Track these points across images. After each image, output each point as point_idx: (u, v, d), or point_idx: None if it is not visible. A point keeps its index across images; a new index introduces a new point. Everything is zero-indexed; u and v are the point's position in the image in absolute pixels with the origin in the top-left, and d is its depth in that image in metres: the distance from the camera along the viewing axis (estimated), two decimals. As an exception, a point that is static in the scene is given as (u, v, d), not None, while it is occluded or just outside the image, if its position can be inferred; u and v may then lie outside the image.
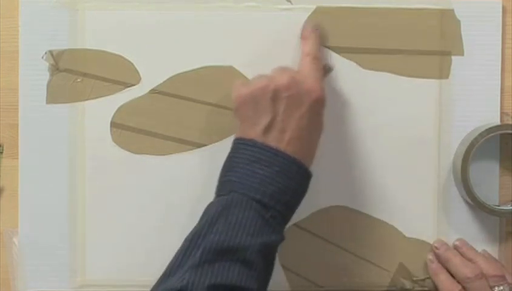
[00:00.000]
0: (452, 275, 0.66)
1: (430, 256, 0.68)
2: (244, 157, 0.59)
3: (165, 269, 0.56)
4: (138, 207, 0.69)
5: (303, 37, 0.67)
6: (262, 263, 0.56)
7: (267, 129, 0.59)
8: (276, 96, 0.60)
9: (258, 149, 0.58)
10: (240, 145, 0.60)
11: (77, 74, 0.69)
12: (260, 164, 0.58)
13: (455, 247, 0.68)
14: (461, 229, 0.70)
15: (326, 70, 0.68)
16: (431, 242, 0.69)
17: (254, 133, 0.59)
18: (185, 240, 0.57)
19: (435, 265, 0.68)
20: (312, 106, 0.60)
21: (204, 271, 0.53)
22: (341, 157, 0.69)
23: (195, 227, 0.58)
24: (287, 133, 0.59)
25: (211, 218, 0.56)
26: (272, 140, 0.59)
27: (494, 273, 0.64)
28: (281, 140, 0.59)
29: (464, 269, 0.65)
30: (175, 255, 0.56)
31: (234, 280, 0.53)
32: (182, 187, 0.69)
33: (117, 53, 0.69)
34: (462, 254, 0.67)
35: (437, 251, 0.68)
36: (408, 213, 0.69)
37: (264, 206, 0.57)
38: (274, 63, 0.69)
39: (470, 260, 0.66)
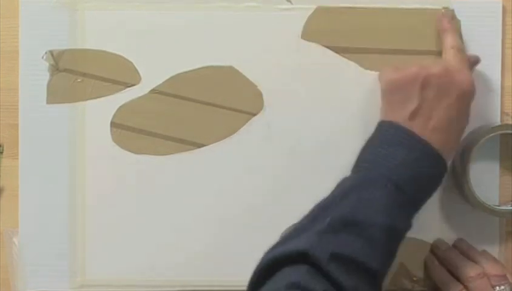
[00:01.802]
0: (452, 275, 0.66)
1: (430, 256, 0.68)
2: (386, 138, 0.60)
3: (288, 232, 0.57)
4: (138, 206, 0.69)
5: (442, 29, 0.67)
6: (387, 246, 0.56)
7: (413, 115, 0.60)
8: (426, 83, 0.60)
9: (402, 133, 0.59)
10: (384, 127, 0.61)
11: (77, 74, 0.69)
12: (402, 147, 0.58)
13: (456, 247, 0.68)
14: (461, 229, 0.70)
15: (472, 62, 0.67)
16: (431, 242, 0.69)
17: (400, 117, 0.60)
18: (314, 207, 0.58)
19: (435, 265, 0.68)
20: (461, 97, 0.61)
21: (330, 239, 0.54)
22: (341, 157, 0.69)
23: (326, 197, 0.58)
24: (432, 121, 0.60)
25: (344, 191, 0.58)
26: (416, 127, 0.60)
27: (496, 273, 0.64)
28: (426, 127, 0.59)
29: (465, 268, 0.65)
30: (301, 220, 0.57)
31: (356, 253, 0.54)
32: (182, 187, 0.69)
33: (117, 53, 0.69)
34: (463, 254, 0.67)
35: (437, 251, 0.68)
36: (408, 213, 0.69)
37: (399, 189, 0.57)
38: (274, 63, 0.69)
39: (471, 259, 0.66)
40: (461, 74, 0.61)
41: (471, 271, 0.64)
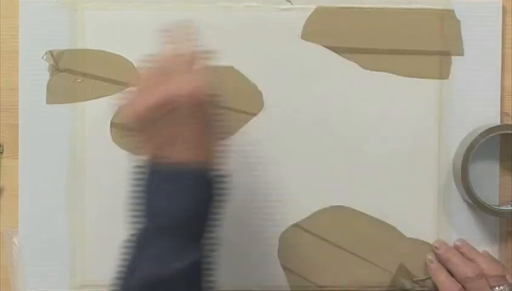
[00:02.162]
0: (452, 275, 0.66)
1: (430, 256, 0.68)
2: (149, 178, 0.55)
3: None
4: (138, 207, 0.69)
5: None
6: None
7: (159, 146, 0.55)
8: (159, 109, 0.55)
9: (152, 171, 0.55)
10: (137, 172, 0.57)
11: (77, 74, 0.69)
12: (166, 183, 0.55)
13: (456, 247, 0.68)
14: (461, 229, 0.70)
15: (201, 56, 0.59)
16: (431, 242, 0.69)
17: (149, 151, 0.56)
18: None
19: (435, 265, 0.68)
20: (185, 110, 0.55)
21: None
22: (341, 157, 0.69)
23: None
24: (177, 144, 0.55)
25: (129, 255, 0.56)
26: (171, 155, 0.55)
27: (495, 273, 0.64)
28: (173, 152, 0.55)
29: (464, 269, 0.65)
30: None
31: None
32: (182, 187, 0.69)
33: (117, 53, 0.69)
34: (463, 254, 0.67)
35: (437, 251, 0.68)
36: (408, 213, 0.70)
37: (164, 230, 0.54)
38: (274, 63, 0.69)
39: (471, 260, 0.66)
40: (186, 87, 0.55)
41: (469, 272, 0.64)
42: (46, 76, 0.69)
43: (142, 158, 0.57)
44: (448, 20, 0.69)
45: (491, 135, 0.66)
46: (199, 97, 0.55)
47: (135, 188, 0.56)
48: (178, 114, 0.55)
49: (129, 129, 0.58)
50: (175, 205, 0.54)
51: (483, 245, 0.70)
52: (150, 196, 0.55)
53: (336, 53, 0.69)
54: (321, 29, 0.69)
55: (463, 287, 0.65)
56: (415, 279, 0.69)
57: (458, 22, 0.69)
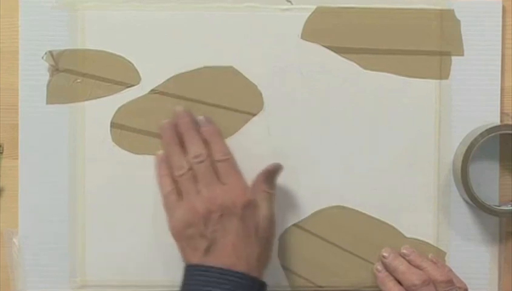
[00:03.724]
0: (400, 283, 0.66)
1: (378, 266, 0.68)
2: (195, 283, 0.60)
3: None
4: (138, 207, 0.69)
5: (204, 138, 0.65)
6: None
7: (206, 253, 0.60)
8: (206, 219, 0.60)
9: (204, 272, 0.59)
10: (189, 272, 0.61)
11: (77, 74, 0.69)
12: (211, 287, 0.58)
13: (403, 255, 0.68)
14: (461, 229, 0.70)
15: (267, 172, 0.65)
16: (431, 242, 0.69)
17: (196, 259, 0.60)
18: None
19: (382, 274, 0.67)
20: (242, 215, 0.61)
21: None
22: (341, 157, 0.69)
23: None
24: (227, 250, 0.60)
25: None
26: (215, 260, 0.60)
27: (442, 279, 0.64)
28: (224, 256, 0.60)
29: (411, 276, 0.65)
30: None
31: None
32: (182, 187, 0.69)
33: (117, 53, 0.69)
34: (409, 262, 0.67)
35: (384, 260, 0.68)
36: (408, 213, 0.70)
37: None
38: (274, 63, 0.69)
39: (418, 267, 0.66)
40: (232, 191, 0.61)
41: (415, 279, 0.64)
42: (46, 76, 0.69)
43: (186, 263, 0.62)
44: (447, 20, 0.69)
45: (491, 135, 0.66)
46: (248, 205, 0.61)
47: (188, 286, 0.60)
48: (223, 221, 0.60)
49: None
50: None
51: (483, 245, 0.70)
52: None
53: (336, 53, 0.69)
54: (321, 29, 0.69)
55: None
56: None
57: (458, 22, 0.69)
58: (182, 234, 0.61)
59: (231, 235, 0.60)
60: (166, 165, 0.65)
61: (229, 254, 0.60)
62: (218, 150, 0.64)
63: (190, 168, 0.63)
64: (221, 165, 0.63)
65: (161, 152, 0.66)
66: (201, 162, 0.63)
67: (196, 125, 0.66)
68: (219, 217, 0.60)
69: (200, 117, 0.67)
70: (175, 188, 0.64)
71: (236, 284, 0.59)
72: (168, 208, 0.64)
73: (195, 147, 0.64)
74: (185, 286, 0.61)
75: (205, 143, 0.65)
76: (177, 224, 0.62)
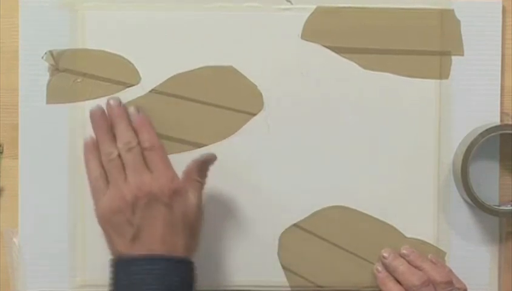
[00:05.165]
0: (400, 284, 0.66)
1: (378, 266, 0.68)
2: (124, 277, 0.59)
3: None
4: (138, 207, 0.69)
5: (134, 127, 0.65)
6: None
7: (133, 240, 0.60)
8: (133, 206, 0.60)
9: (131, 262, 0.59)
10: (117, 266, 0.61)
11: (77, 74, 0.69)
12: (141, 275, 0.58)
13: (403, 255, 0.68)
14: (461, 229, 0.70)
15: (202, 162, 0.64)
16: (431, 242, 0.69)
17: (123, 246, 0.60)
18: None
19: (382, 274, 0.68)
20: (169, 202, 0.61)
21: None
22: (341, 157, 0.69)
23: None
24: (154, 236, 0.60)
25: None
26: (141, 249, 0.60)
27: (441, 280, 0.64)
28: (151, 243, 0.60)
29: (410, 277, 0.65)
30: None
31: None
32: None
33: (117, 53, 0.69)
34: (409, 262, 0.67)
35: (384, 260, 0.68)
36: (408, 213, 0.70)
37: None
38: (274, 63, 0.69)
39: (418, 267, 0.66)
40: (158, 182, 0.61)
41: (415, 280, 0.64)
42: (46, 76, 0.69)
43: (112, 253, 0.62)
44: (447, 20, 0.69)
45: (491, 135, 0.66)
46: (175, 193, 0.61)
47: (110, 287, 0.60)
48: (150, 209, 0.60)
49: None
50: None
51: (483, 245, 0.70)
52: (123, 289, 0.59)
53: (336, 53, 0.69)
54: (321, 29, 0.69)
55: None
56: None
57: (458, 22, 0.69)
58: (108, 221, 0.61)
59: (158, 222, 0.60)
60: (95, 150, 0.64)
61: (155, 241, 0.59)
62: (146, 138, 0.63)
63: (119, 155, 0.63)
64: (149, 154, 0.63)
65: (89, 137, 0.65)
66: (130, 149, 0.62)
67: (126, 115, 0.66)
68: (146, 204, 0.60)
69: (130, 108, 0.66)
70: (103, 173, 0.63)
71: (164, 268, 0.59)
72: (95, 193, 0.63)
73: (124, 135, 0.63)
74: (116, 281, 0.60)
75: (135, 132, 0.64)
76: (104, 210, 0.61)
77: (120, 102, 0.67)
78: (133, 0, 0.69)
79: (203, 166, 0.64)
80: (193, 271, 0.61)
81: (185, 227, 0.61)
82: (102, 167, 0.63)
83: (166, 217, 0.60)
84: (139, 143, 0.63)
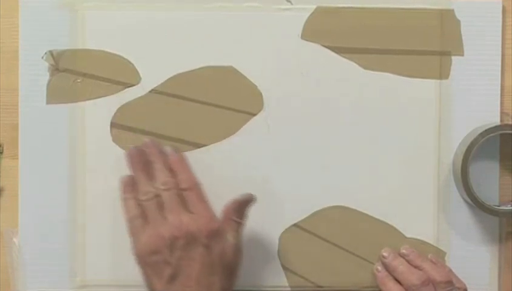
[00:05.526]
0: (400, 283, 0.66)
1: (378, 266, 0.68)
2: None
3: None
4: (138, 207, 0.69)
5: (171, 167, 0.64)
6: None
7: (170, 280, 0.59)
8: (171, 246, 0.60)
9: None
10: None
11: (77, 74, 0.69)
12: None
13: (402, 255, 0.68)
14: (461, 229, 0.70)
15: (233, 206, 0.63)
16: (431, 242, 0.69)
17: (160, 286, 0.60)
18: None
19: (382, 274, 0.68)
20: (207, 243, 0.60)
21: None
22: (341, 157, 0.69)
23: None
24: (191, 277, 0.59)
25: None
26: (179, 289, 0.59)
27: (441, 279, 0.64)
28: (187, 285, 0.59)
29: (410, 276, 0.65)
30: None
31: None
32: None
33: (117, 53, 0.69)
34: (409, 262, 0.67)
35: (384, 260, 0.68)
36: (408, 213, 0.70)
37: None
38: (274, 63, 0.69)
39: (417, 267, 0.66)
40: (197, 222, 0.60)
41: (415, 279, 0.64)
42: (46, 76, 0.69)
43: None
44: (447, 20, 0.69)
45: (491, 135, 0.66)
46: (214, 234, 0.60)
47: None
48: (188, 249, 0.60)
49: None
50: None
51: (483, 245, 0.70)
52: None
53: (336, 53, 0.69)
54: (321, 29, 0.69)
55: None
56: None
57: (458, 22, 0.69)
58: (146, 260, 0.60)
59: (196, 263, 0.59)
60: (132, 189, 0.64)
61: (192, 282, 0.59)
62: (185, 178, 0.63)
63: (157, 195, 0.62)
64: (187, 194, 0.62)
65: (125, 176, 0.65)
66: (168, 189, 0.62)
67: (163, 154, 0.66)
68: (184, 245, 0.60)
69: (167, 147, 0.67)
70: (141, 212, 0.62)
71: None
72: (133, 232, 0.62)
73: (162, 175, 0.63)
74: None
75: (172, 172, 0.64)
76: (142, 249, 0.61)
77: (156, 142, 0.67)
78: (133, 0, 0.69)
79: (242, 206, 0.64)
80: None
81: (223, 268, 0.61)
82: (139, 205, 0.63)
83: (204, 258, 0.60)
84: (176, 184, 0.63)
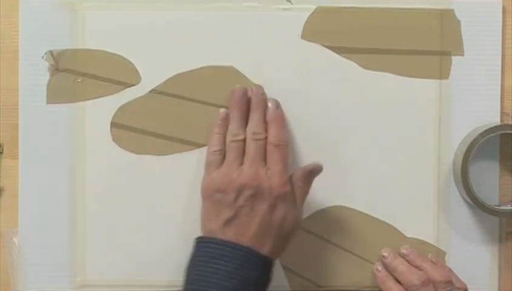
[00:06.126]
0: (400, 283, 0.66)
1: (378, 266, 0.68)
2: (205, 254, 0.60)
3: None
4: (138, 206, 0.69)
5: (267, 120, 0.65)
6: None
7: (227, 223, 0.60)
8: (239, 192, 0.61)
9: (217, 245, 0.60)
10: (201, 244, 0.62)
11: (77, 74, 0.69)
12: (221, 260, 0.59)
13: (402, 255, 0.68)
14: (461, 229, 0.70)
15: (307, 171, 0.65)
16: (431, 242, 0.69)
17: (216, 225, 0.61)
18: None
19: (382, 274, 0.68)
20: (274, 203, 0.61)
21: None
22: (341, 158, 0.69)
23: None
24: (248, 228, 0.60)
25: None
26: (231, 234, 0.60)
27: (441, 279, 0.64)
28: (242, 234, 0.60)
29: (410, 276, 0.65)
30: None
31: None
32: (182, 187, 0.69)
33: (117, 53, 0.69)
34: (409, 262, 0.67)
35: (384, 260, 0.68)
36: (408, 213, 0.70)
37: None
38: (274, 63, 0.69)
39: (417, 267, 0.66)
40: (272, 178, 0.61)
41: (415, 279, 0.64)
42: (46, 76, 0.69)
43: (202, 229, 0.63)
44: (447, 20, 0.69)
45: (491, 135, 0.66)
46: (282, 196, 0.61)
47: (190, 260, 0.61)
48: (253, 201, 0.61)
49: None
50: (223, 283, 0.58)
51: (483, 245, 0.70)
52: (199, 268, 0.60)
53: (336, 53, 0.69)
54: (321, 29, 0.69)
55: None
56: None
57: (458, 22, 0.69)
58: (210, 197, 0.62)
59: (256, 217, 0.61)
60: (224, 125, 0.65)
61: (246, 234, 0.60)
62: (275, 134, 0.64)
63: (244, 140, 0.63)
64: (273, 150, 0.63)
65: (225, 110, 0.66)
66: (257, 140, 0.63)
67: (266, 106, 0.66)
68: (251, 196, 0.61)
69: (271, 101, 0.67)
70: (223, 150, 0.64)
71: (244, 258, 0.59)
72: (208, 165, 0.64)
73: (256, 124, 0.64)
74: (195, 257, 0.61)
75: (267, 125, 0.65)
76: (210, 184, 0.62)
77: (263, 92, 0.67)
78: (133, 0, 0.69)
79: (310, 175, 0.65)
80: (270, 272, 0.62)
81: (280, 232, 0.61)
82: (225, 144, 0.64)
83: (265, 216, 0.61)
84: (266, 137, 0.64)
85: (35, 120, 0.69)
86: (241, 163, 0.63)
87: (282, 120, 0.66)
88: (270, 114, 0.66)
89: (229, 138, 0.64)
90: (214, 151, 0.64)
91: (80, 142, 0.69)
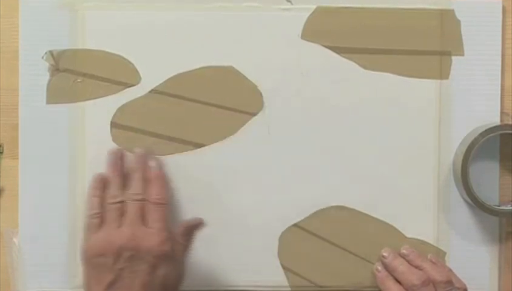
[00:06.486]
0: (400, 283, 0.66)
1: (378, 266, 0.68)
2: None
3: None
4: (138, 207, 0.69)
5: (149, 178, 0.65)
6: None
7: (110, 287, 0.59)
8: (118, 254, 0.60)
9: None
10: None
11: (77, 74, 0.69)
12: None
13: (402, 255, 0.68)
14: (461, 229, 0.70)
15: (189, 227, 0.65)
16: (431, 242, 0.69)
17: (97, 290, 0.60)
18: None
19: (382, 274, 0.68)
20: (154, 263, 0.60)
21: None
22: (341, 157, 0.69)
23: None
24: (131, 290, 0.59)
25: None
26: None
27: (441, 279, 0.64)
28: None
29: (410, 276, 0.65)
30: None
31: None
32: (182, 187, 0.69)
33: (117, 53, 0.69)
34: (409, 262, 0.67)
35: (384, 260, 0.68)
36: (408, 213, 0.70)
37: None
38: (274, 63, 0.69)
39: (417, 267, 0.66)
40: (150, 238, 0.60)
41: (415, 279, 0.64)
42: (46, 76, 0.69)
43: None
44: (447, 20, 0.69)
45: (491, 135, 0.66)
46: (162, 256, 0.60)
47: None
48: (133, 263, 0.60)
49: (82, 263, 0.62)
50: None
51: (483, 245, 0.70)
52: None
53: (336, 53, 0.69)
54: (321, 29, 0.69)
55: None
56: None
57: (458, 22, 0.69)
58: (90, 261, 0.61)
59: (137, 278, 0.59)
60: (101, 188, 0.65)
61: None
62: (156, 193, 0.63)
63: (123, 202, 0.63)
64: (152, 208, 0.62)
65: (100, 173, 0.66)
66: (137, 200, 0.62)
67: (146, 166, 0.66)
68: (130, 257, 0.59)
69: (152, 161, 0.67)
70: (101, 213, 0.63)
71: None
72: (88, 229, 0.63)
73: (136, 185, 0.64)
74: None
75: (147, 185, 0.64)
76: (89, 249, 0.61)
77: (144, 153, 0.67)
78: (133, 0, 0.69)
79: (191, 230, 0.65)
80: None
81: (164, 289, 0.61)
82: (103, 206, 0.63)
83: (146, 276, 0.60)
84: (146, 198, 0.63)
85: (35, 120, 0.69)
86: (121, 225, 0.61)
87: (163, 179, 0.65)
88: (152, 173, 0.65)
89: (108, 201, 0.63)
90: (92, 214, 0.63)
91: (80, 142, 0.69)
